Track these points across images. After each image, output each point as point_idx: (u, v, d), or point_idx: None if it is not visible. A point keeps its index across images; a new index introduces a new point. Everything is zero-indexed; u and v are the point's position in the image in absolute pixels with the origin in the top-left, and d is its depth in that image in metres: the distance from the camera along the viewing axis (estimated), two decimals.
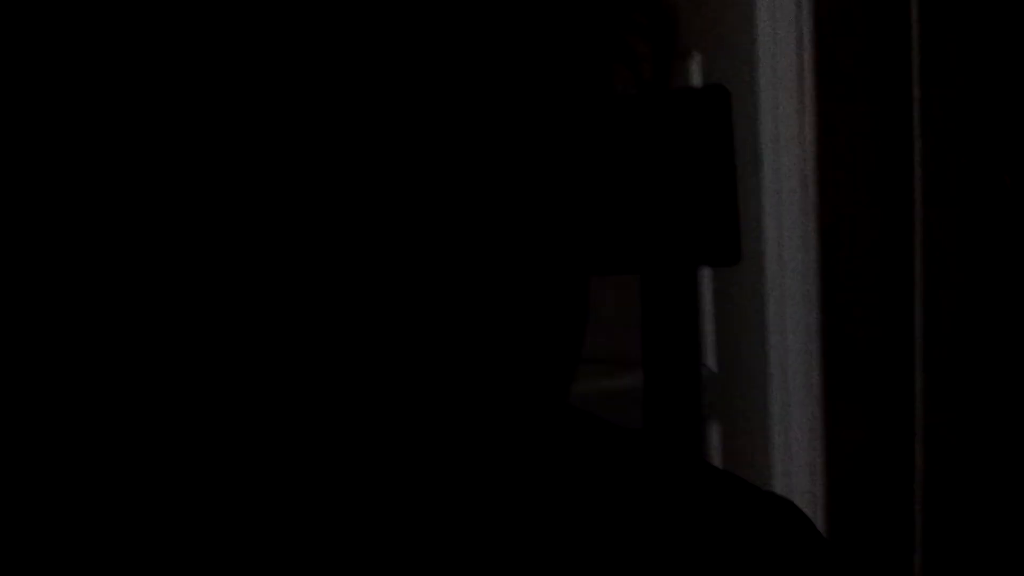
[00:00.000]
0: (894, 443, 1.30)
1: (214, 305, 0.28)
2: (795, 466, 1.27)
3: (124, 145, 0.28)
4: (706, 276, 1.32)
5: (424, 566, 0.32)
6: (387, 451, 0.30)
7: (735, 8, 1.24)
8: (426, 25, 0.29)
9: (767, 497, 0.43)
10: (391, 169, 0.29)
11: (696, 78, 1.25)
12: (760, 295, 1.24)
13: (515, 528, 0.35)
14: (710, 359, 1.33)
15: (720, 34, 1.24)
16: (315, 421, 0.29)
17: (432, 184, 0.29)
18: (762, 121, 1.21)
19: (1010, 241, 1.29)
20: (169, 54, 0.27)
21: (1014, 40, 1.28)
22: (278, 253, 0.28)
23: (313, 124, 0.28)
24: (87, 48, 0.27)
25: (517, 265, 0.31)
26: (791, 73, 1.21)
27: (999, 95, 1.29)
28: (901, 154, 1.25)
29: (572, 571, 0.37)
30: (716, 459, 1.32)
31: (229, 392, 0.29)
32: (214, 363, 0.28)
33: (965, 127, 1.27)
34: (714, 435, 1.33)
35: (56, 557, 0.30)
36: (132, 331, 0.28)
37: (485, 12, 0.29)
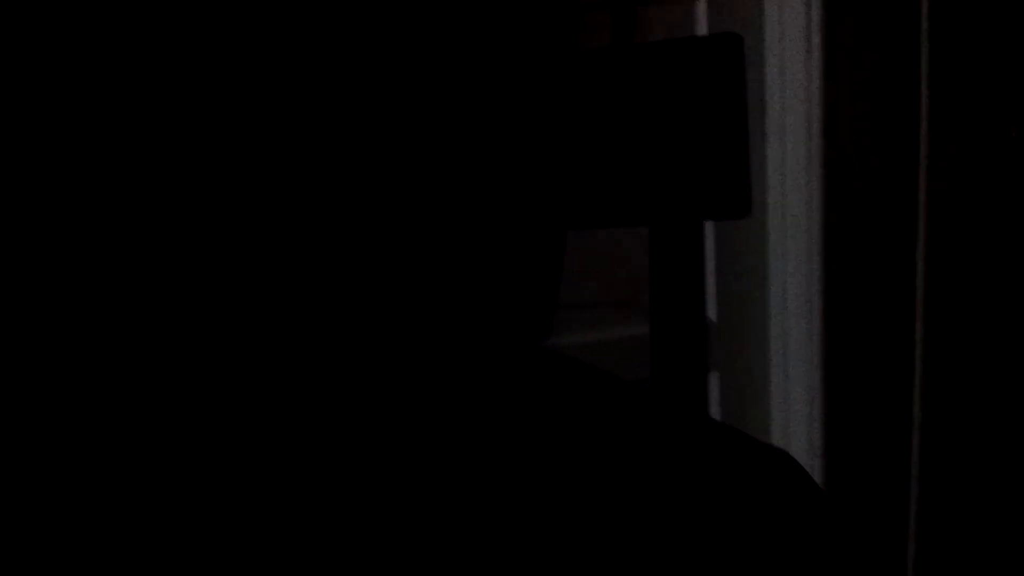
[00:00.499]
0: (892, 396, 1.30)
1: (211, 298, 0.28)
2: (793, 417, 1.27)
3: (125, 144, 0.27)
4: (709, 226, 1.31)
5: (416, 518, 0.31)
6: (374, 401, 0.30)
7: None
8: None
9: (764, 449, 0.43)
10: (373, 122, 0.28)
11: (701, 22, 1.22)
12: (762, 245, 1.23)
13: (513, 479, 0.34)
14: (711, 310, 1.32)
15: None
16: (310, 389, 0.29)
17: (413, 141, 0.29)
18: (768, 67, 1.19)
19: (1016, 193, 1.27)
20: (170, 54, 0.27)
21: None
22: (264, 232, 0.28)
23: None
24: (89, 48, 0.27)
25: (491, 213, 0.30)
26: (798, 17, 1.18)
27: (1011, 41, 1.27)
28: (909, 103, 1.23)
29: (567, 522, 0.36)
30: (715, 409, 1.31)
31: (228, 382, 0.28)
32: (212, 355, 0.28)
33: (975, 76, 1.25)
34: (714, 386, 1.32)
35: (56, 556, 0.29)
36: (130, 325, 0.28)
37: None
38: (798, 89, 1.19)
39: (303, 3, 0.28)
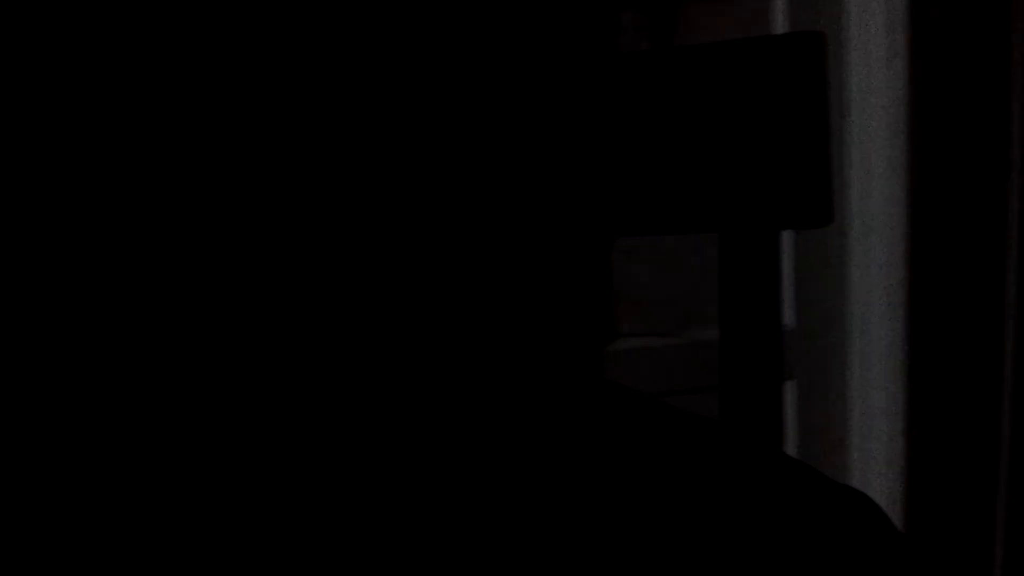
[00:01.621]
0: (980, 416, 1.25)
1: (219, 303, 0.28)
2: (873, 433, 1.23)
3: (126, 144, 0.27)
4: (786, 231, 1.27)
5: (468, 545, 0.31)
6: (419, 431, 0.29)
7: None
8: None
9: (842, 491, 0.41)
10: (417, 139, 0.28)
11: (781, 20, 1.18)
12: (843, 250, 1.19)
13: (582, 525, 0.33)
14: (787, 315, 1.28)
15: None
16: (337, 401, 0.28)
17: (447, 139, 0.28)
18: (851, 68, 1.15)
19: None
20: (170, 54, 0.27)
21: None
22: (286, 246, 0.27)
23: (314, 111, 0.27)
24: (89, 48, 0.27)
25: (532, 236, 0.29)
26: (882, 14, 1.14)
27: None
28: (999, 104, 1.18)
29: (638, 561, 0.35)
30: (790, 419, 1.27)
31: (235, 388, 0.28)
32: (226, 360, 0.28)
33: None
34: (789, 394, 1.28)
35: (56, 556, 0.29)
36: (133, 329, 0.28)
37: None
38: (882, 91, 1.15)
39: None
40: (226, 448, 0.29)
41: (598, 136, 0.33)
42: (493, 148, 0.29)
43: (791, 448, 1.25)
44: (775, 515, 0.38)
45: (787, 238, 1.26)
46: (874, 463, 1.24)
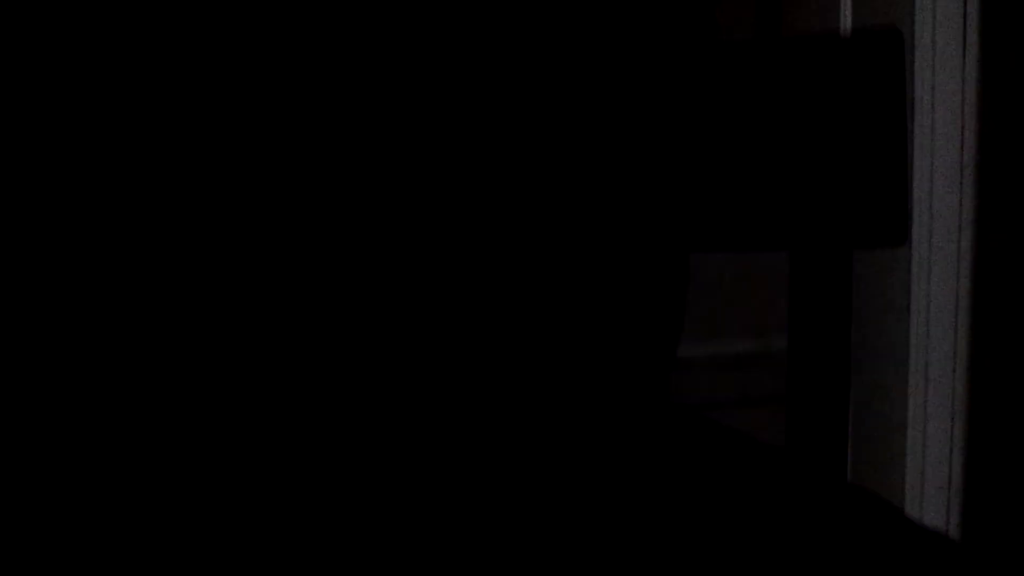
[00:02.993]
0: None
1: (222, 304, 0.28)
2: (930, 460, 1.17)
3: (127, 144, 0.27)
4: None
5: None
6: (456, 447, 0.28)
7: None
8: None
9: (909, 528, 0.41)
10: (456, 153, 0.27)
11: (846, 14, 1.11)
12: (905, 273, 1.12)
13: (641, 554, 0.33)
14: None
15: None
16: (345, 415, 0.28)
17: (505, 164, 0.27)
18: (917, 67, 1.08)
19: None
20: (171, 54, 0.26)
21: None
22: (302, 250, 0.27)
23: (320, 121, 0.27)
24: (89, 48, 0.26)
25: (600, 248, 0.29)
26: (954, 10, 1.07)
27: None
28: None
29: None
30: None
31: (240, 390, 0.28)
32: (217, 361, 0.28)
33: None
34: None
35: (56, 556, 0.30)
36: (134, 330, 0.28)
37: None
38: (952, 94, 1.07)
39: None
40: (228, 448, 0.29)
41: (672, 141, 0.32)
42: (563, 151, 0.28)
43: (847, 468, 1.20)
44: (840, 550, 0.38)
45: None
46: (929, 486, 1.19)
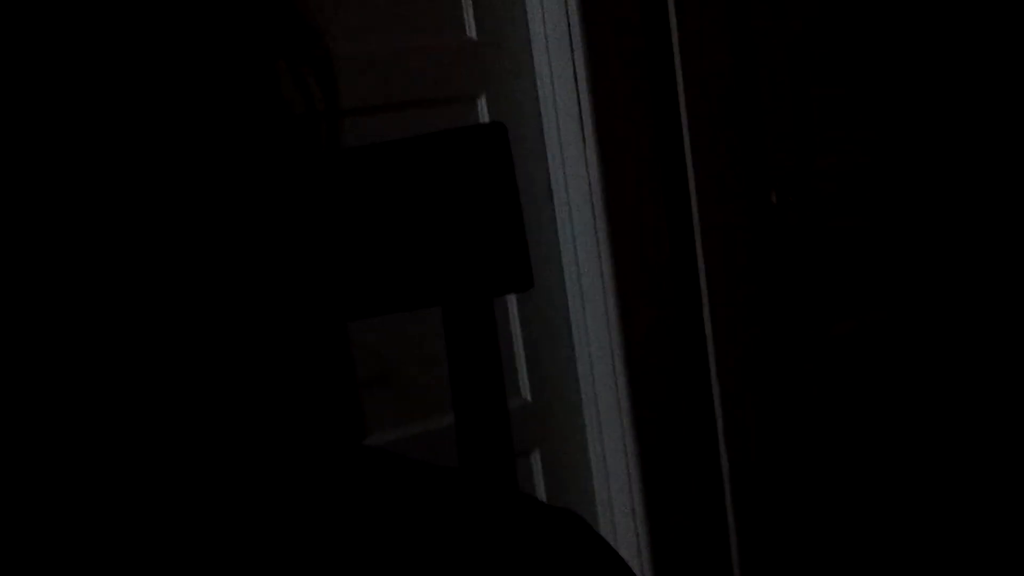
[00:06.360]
0: (701, 447, 1.35)
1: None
2: (613, 485, 1.31)
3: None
4: (513, 306, 1.35)
5: None
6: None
7: (512, 52, 1.28)
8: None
9: (554, 512, 0.44)
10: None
11: (483, 119, 1.28)
12: (565, 321, 1.28)
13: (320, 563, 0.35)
14: (525, 389, 1.36)
15: (501, 77, 1.28)
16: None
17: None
18: (549, 154, 1.26)
19: (778, 252, 1.36)
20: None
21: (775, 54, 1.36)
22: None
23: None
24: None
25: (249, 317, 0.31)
26: (570, 107, 1.26)
27: (766, 112, 1.37)
28: (678, 172, 1.32)
29: None
30: (539, 487, 1.34)
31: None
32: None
33: (735, 145, 1.34)
34: (536, 463, 1.35)
35: (55, 556, 0.29)
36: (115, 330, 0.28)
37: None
38: (579, 174, 1.26)
39: None
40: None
41: (309, 229, 0.35)
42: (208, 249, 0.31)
43: None
44: (484, 535, 0.40)
45: (512, 315, 1.34)
46: (619, 514, 1.31)
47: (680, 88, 1.29)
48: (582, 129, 1.26)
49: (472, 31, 1.27)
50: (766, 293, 1.37)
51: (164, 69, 0.31)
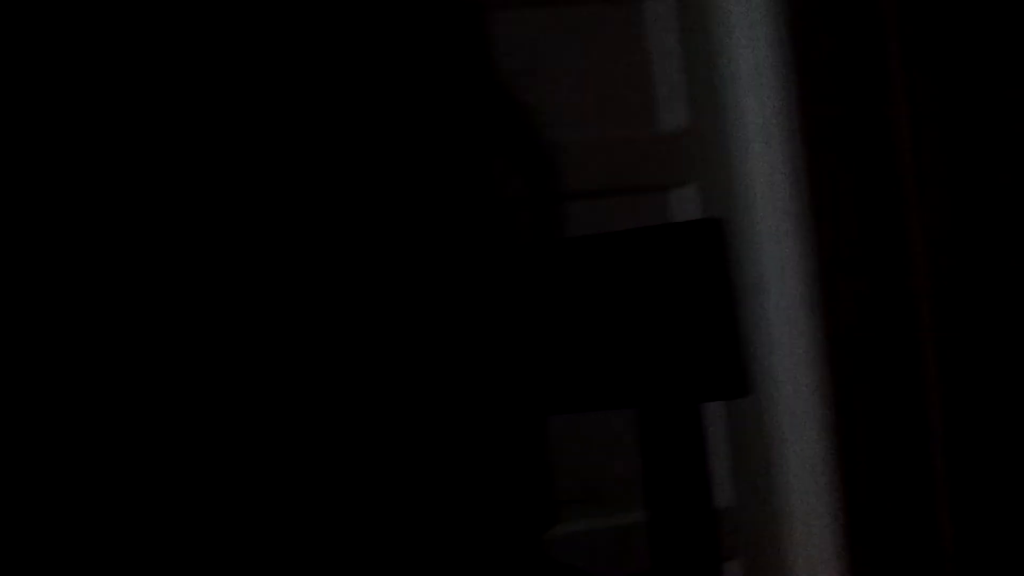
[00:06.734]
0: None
1: (214, 306, 0.27)
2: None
3: (122, 146, 0.27)
4: (720, 407, 1.30)
5: None
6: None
7: (721, 141, 1.25)
8: None
9: None
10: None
11: (694, 209, 1.25)
12: (776, 424, 1.22)
13: None
14: (726, 494, 1.29)
15: (714, 165, 1.25)
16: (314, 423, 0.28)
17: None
18: (758, 249, 1.21)
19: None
20: (168, 56, 0.26)
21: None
22: (279, 252, 0.27)
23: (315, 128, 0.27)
24: (88, 49, 0.26)
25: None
26: (784, 200, 1.21)
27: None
28: (899, 268, 1.24)
29: None
30: None
31: (229, 393, 0.27)
32: (214, 364, 0.27)
33: (966, 239, 1.26)
34: (736, 573, 1.28)
35: (56, 556, 0.29)
36: (134, 332, 0.26)
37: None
38: (793, 271, 1.20)
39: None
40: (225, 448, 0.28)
41: (515, 326, 0.34)
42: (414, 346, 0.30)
43: None
44: None
45: (719, 418, 1.28)
46: None
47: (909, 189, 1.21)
48: (796, 224, 1.20)
49: (681, 120, 1.24)
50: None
51: (379, 151, 0.31)
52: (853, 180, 1.23)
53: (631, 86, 1.21)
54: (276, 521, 0.29)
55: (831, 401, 1.21)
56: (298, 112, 0.29)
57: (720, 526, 0.91)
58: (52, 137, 0.28)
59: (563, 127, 1.14)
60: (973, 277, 1.26)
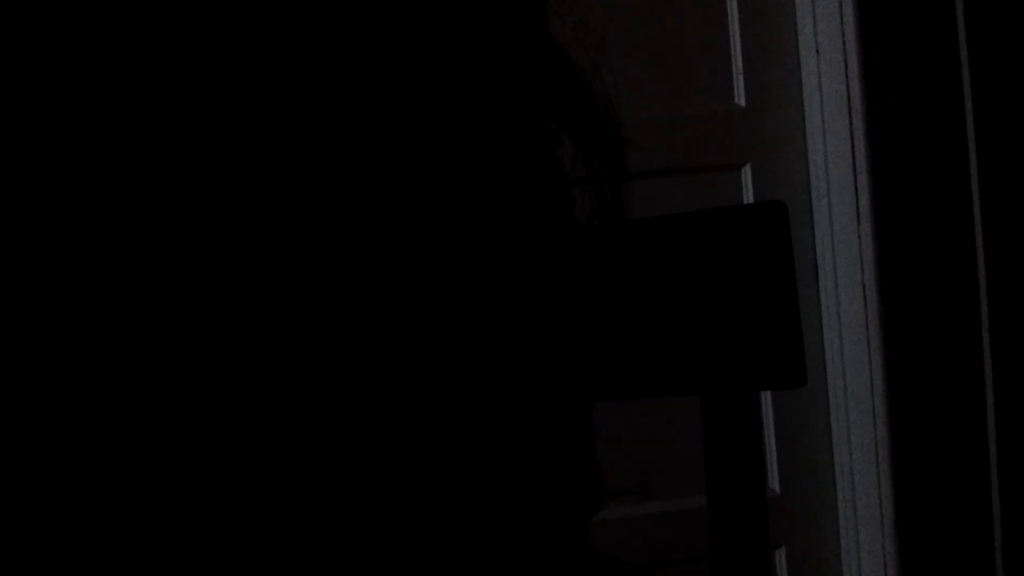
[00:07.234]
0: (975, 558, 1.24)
1: (217, 306, 0.27)
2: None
3: (126, 146, 0.27)
4: (767, 393, 1.28)
5: None
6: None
7: (785, 118, 1.22)
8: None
9: None
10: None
11: (748, 189, 1.22)
12: (823, 414, 1.19)
13: None
14: (774, 481, 1.28)
15: (770, 144, 1.22)
16: (318, 425, 0.28)
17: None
18: (817, 231, 1.18)
19: None
20: (171, 54, 0.27)
21: None
22: (283, 254, 0.27)
23: (316, 126, 0.27)
24: (91, 48, 0.27)
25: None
26: (845, 181, 1.18)
27: None
28: (960, 259, 1.21)
29: None
30: None
31: (232, 393, 0.28)
32: (217, 364, 0.28)
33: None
34: (781, 560, 1.27)
35: (57, 557, 0.29)
36: (134, 331, 0.27)
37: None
38: (852, 254, 1.17)
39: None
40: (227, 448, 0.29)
41: (571, 305, 0.33)
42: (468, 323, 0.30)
43: None
44: None
45: (766, 405, 1.27)
46: None
47: (971, 143, 1.18)
48: (857, 205, 1.17)
49: (741, 99, 1.21)
50: None
51: (439, 126, 0.30)
52: (917, 168, 1.20)
53: (702, 64, 1.19)
54: (288, 513, 0.28)
55: (884, 391, 1.18)
56: (347, 88, 0.28)
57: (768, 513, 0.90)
58: (52, 137, 0.27)
59: (633, 106, 1.12)
60: None
